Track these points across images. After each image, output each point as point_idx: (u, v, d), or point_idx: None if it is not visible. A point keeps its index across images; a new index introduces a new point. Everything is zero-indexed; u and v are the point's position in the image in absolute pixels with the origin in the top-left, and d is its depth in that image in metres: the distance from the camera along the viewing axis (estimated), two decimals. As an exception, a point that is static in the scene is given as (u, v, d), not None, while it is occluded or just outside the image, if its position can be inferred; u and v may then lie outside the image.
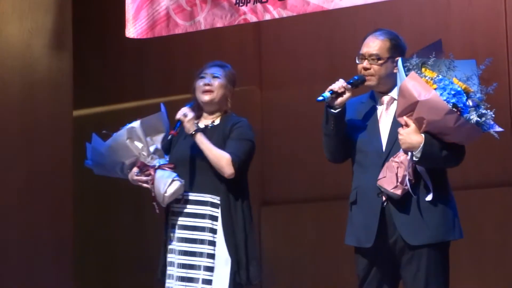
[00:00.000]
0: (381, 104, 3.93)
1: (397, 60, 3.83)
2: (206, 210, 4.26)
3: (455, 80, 3.67)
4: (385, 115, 3.90)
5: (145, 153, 4.34)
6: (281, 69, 6.57)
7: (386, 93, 3.93)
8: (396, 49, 3.93)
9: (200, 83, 4.40)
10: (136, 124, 4.38)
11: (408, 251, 3.78)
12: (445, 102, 3.58)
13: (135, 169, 4.35)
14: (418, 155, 3.67)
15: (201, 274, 4.22)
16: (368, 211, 3.83)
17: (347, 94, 3.86)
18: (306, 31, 6.53)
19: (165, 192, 4.23)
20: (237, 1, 5.32)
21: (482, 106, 3.68)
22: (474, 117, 3.61)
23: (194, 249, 4.25)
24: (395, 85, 3.84)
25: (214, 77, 4.40)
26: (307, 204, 6.27)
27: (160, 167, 4.31)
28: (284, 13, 5.21)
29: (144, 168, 4.33)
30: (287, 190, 6.55)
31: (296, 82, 6.60)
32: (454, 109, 3.58)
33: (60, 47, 6.43)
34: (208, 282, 4.21)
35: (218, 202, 4.26)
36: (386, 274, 3.87)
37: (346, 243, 3.97)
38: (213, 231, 4.25)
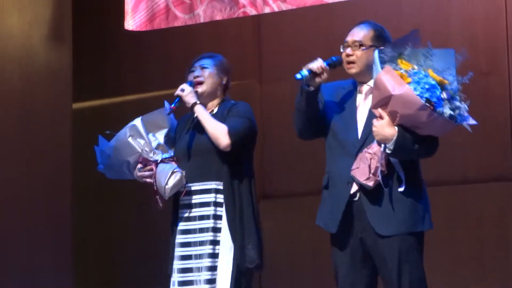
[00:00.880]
0: (360, 93, 3.96)
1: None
2: (211, 197, 4.26)
3: (430, 72, 3.69)
4: (363, 105, 3.93)
5: (147, 149, 4.34)
6: (280, 63, 6.57)
7: (366, 82, 3.95)
8: (380, 39, 3.95)
9: (190, 77, 4.40)
10: (137, 121, 4.38)
11: (379, 240, 3.81)
12: (418, 97, 3.61)
13: (138, 165, 4.36)
14: (391, 148, 3.71)
15: (205, 262, 4.22)
16: (336, 198, 3.89)
17: (325, 75, 3.89)
18: (305, 24, 6.52)
19: (166, 184, 4.23)
20: (237, -6, 5.32)
21: (457, 98, 3.70)
22: (447, 111, 3.64)
23: (200, 238, 4.25)
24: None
25: (203, 68, 4.40)
26: (306, 197, 6.27)
27: (161, 161, 4.31)
28: (284, 6, 5.21)
29: (146, 163, 4.33)
30: (286, 183, 6.55)
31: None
32: (427, 104, 3.61)
33: (59, 39, 6.43)
34: (213, 268, 4.21)
35: (222, 187, 4.26)
36: (363, 265, 3.89)
37: (316, 223, 4.00)
38: (217, 217, 4.25)
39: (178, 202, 4.35)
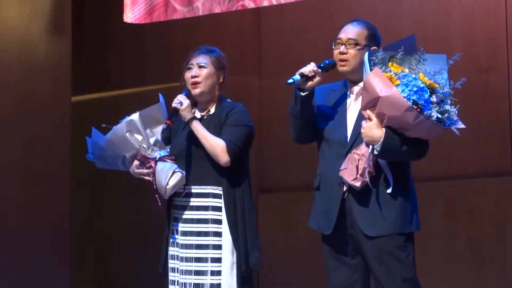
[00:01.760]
0: (351, 94, 3.96)
1: (373, 50, 3.85)
2: (209, 201, 4.24)
3: (421, 75, 3.69)
4: (353, 105, 3.93)
5: (145, 145, 4.32)
6: (280, 57, 6.56)
7: (357, 82, 3.95)
8: (373, 39, 3.95)
9: (187, 75, 4.38)
10: (135, 116, 4.35)
11: (367, 241, 3.81)
12: (405, 99, 3.61)
13: (135, 162, 4.33)
14: (379, 149, 3.71)
15: (209, 266, 4.22)
16: (329, 199, 3.89)
17: (317, 79, 3.89)
18: (305, 18, 6.52)
19: (167, 184, 4.20)
20: (235, -14, 5.31)
21: (448, 101, 3.69)
22: (434, 114, 3.64)
23: (199, 241, 4.23)
24: None
25: (200, 67, 4.36)
26: (305, 192, 6.26)
27: (160, 159, 4.29)
28: (282, 0, 5.20)
29: (144, 161, 4.30)
30: (285, 177, 6.55)
31: (295, 70, 6.55)
32: (414, 106, 3.61)
33: (59, 31, 6.42)
34: (217, 273, 4.21)
35: (221, 192, 4.24)
36: (354, 263, 3.90)
37: (308, 225, 4.02)
38: (218, 221, 4.23)
39: (172, 202, 4.34)
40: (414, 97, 3.61)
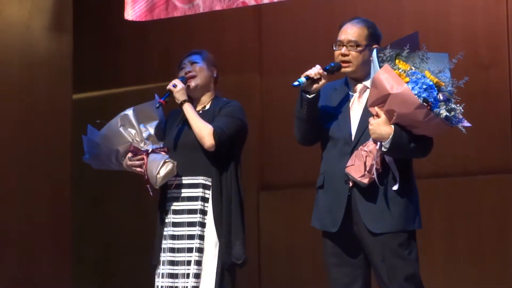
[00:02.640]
0: (354, 92, 3.97)
1: (374, 48, 3.85)
2: (198, 192, 4.29)
3: (427, 73, 3.70)
4: (357, 103, 3.93)
5: (138, 139, 4.36)
6: (281, 55, 6.56)
7: (360, 80, 3.96)
8: (373, 37, 3.96)
9: (181, 73, 4.42)
10: (129, 111, 4.40)
11: (371, 238, 3.81)
12: (415, 96, 3.62)
13: (128, 154, 4.37)
14: (387, 146, 3.71)
15: (193, 256, 4.25)
16: (334, 197, 3.88)
17: (323, 81, 3.89)
18: (306, 16, 6.51)
19: (158, 173, 4.24)
20: (236, -16, 5.30)
21: (453, 100, 3.70)
22: (443, 112, 3.65)
23: (190, 232, 4.27)
24: (369, 73, 3.86)
25: (193, 63, 4.44)
26: (306, 189, 6.26)
27: (153, 151, 4.32)
28: (282, -3, 5.21)
29: (137, 152, 4.34)
30: (286, 174, 6.55)
31: (296, 67, 6.55)
32: (424, 103, 3.62)
33: (60, 29, 6.42)
34: (199, 263, 4.24)
35: (210, 183, 4.29)
36: (356, 260, 3.89)
37: (311, 225, 4.01)
38: (204, 212, 4.28)
39: (166, 194, 4.37)
40: (424, 95, 3.62)
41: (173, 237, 4.30)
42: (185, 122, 4.38)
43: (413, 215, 3.85)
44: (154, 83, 6.70)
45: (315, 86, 3.88)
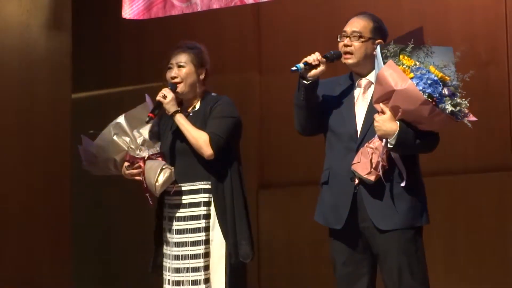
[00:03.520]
0: (359, 87, 3.96)
1: (378, 43, 3.86)
2: (200, 197, 4.26)
3: (432, 68, 3.69)
4: (361, 99, 3.93)
5: (133, 146, 4.33)
6: (280, 53, 6.55)
7: (364, 75, 3.95)
8: (378, 31, 3.96)
9: (168, 75, 4.39)
10: (120, 119, 4.37)
11: (379, 235, 3.82)
12: (420, 92, 3.62)
13: (125, 164, 4.34)
14: (393, 142, 3.72)
15: (202, 262, 4.22)
16: (339, 194, 3.88)
17: (321, 67, 3.89)
18: (305, 15, 6.51)
19: (156, 181, 4.21)
20: (233, -18, 5.30)
21: (458, 94, 3.70)
22: (449, 107, 3.65)
23: (194, 238, 4.24)
24: (373, 68, 3.86)
25: (180, 66, 4.38)
26: (305, 187, 6.26)
27: (149, 157, 4.29)
28: (281, -5, 5.20)
29: (133, 161, 4.31)
30: (285, 173, 6.55)
31: (295, 65, 6.58)
32: (429, 99, 3.61)
33: (58, 27, 6.41)
34: (207, 268, 4.21)
35: (210, 187, 4.26)
36: (362, 257, 3.89)
37: (315, 219, 4.00)
38: (207, 216, 4.25)
39: (164, 201, 4.34)
40: (429, 90, 3.62)
41: (178, 244, 4.27)
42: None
43: (420, 211, 3.86)
44: (153, 83, 6.69)
45: (313, 72, 3.89)
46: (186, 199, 4.28)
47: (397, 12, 6.02)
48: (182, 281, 4.24)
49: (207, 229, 4.24)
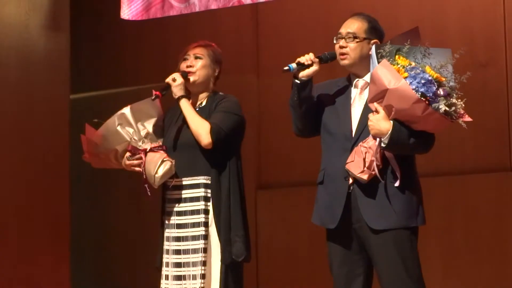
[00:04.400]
0: (356, 87, 3.97)
1: (373, 43, 3.88)
2: (200, 192, 4.27)
3: (428, 68, 3.70)
4: (358, 99, 3.94)
5: (136, 138, 4.34)
6: (278, 54, 6.56)
7: (361, 76, 3.96)
8: (373, 32, 3.97)
9: (183, 65, 4.39)
10: (125, 110, 4.37)
11: (373, 235, 3.82)
12: (413, 91, 3.61)
13: (127, 154, 4.35)
14: (386, 141, 3.72)
15: (200, 257, 4.23)
16: (333, 193, 3.89)
17: (314, 68, 3.91)
18: (303, 16, 6.51)
19: (156, 172, 4.22)
20: (231, -18, 5.31)
21: (454, 95, 3.70)
22: (442, 107, 3.65)
23: (194, 233, 4.25)
24: (370, 69, 3.86)
25: (197, 57, 4.40)
26: (303, 188, 6.27)
27: (151, 149, 4.30)
28: (279, -4, 5.21)
29: (135, 152, 4.32)
30: (283, 174, 6.55)
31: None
32: (422, 98, 3.61)
33: (57, 28, 6.41)
34: (204, 263, 4.22)
35: (210, 182, 4.26)
36: (358, 258, 3.89)
37: (312, 221, 4.01)
38: (206, 212, 4.25)
39: (166, 196, 4.35)
40: (422, 90, 3.62)
41: (178, 239, 4.28)
42: (183, 121, 4.35)
43: (415, 211, 3.86)
44: (151, 83, 6.69)
45: (306, 72, 3.90)
46: (186, 193, 4.29)
47: (394, 15, 6.02)
48: (184, 276, 4.25)
49: (206, 224, 4.24)
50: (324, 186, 3.96)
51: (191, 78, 4.36)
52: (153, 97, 4.34)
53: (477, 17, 5.89)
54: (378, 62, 3.72)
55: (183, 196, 4.29)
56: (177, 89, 4.31)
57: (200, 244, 4.22)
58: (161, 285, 4.32)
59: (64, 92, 6.45)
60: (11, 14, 6.21)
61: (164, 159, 4.24)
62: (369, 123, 3.76)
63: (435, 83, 3.67)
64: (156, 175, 4.22)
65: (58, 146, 6.34)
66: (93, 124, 4.43)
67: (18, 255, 6.08)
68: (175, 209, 4.30)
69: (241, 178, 4.34)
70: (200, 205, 4.25)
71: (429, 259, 5.64)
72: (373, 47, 3.80)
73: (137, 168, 4.32)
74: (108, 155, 4.41)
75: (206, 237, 4.23)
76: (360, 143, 3.81)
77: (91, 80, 7.32)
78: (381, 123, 3.72)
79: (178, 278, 4.26)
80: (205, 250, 4.21)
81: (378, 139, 3.74)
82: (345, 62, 3.95)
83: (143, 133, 4.36)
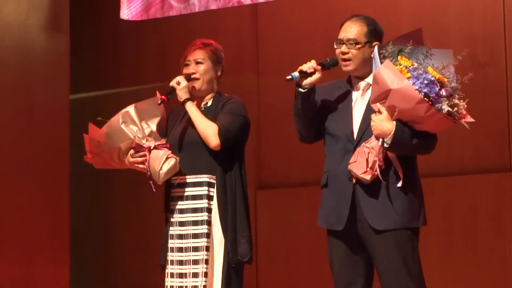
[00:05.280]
0: (357, 89, 3.97)
1: (375, 45, 3.85)
2: (203, 190, 4.27)
3: (430, 69, 3.70)
4: (360, 101, 3.94)
5: (140, 136, 4.34)
6: (278, 54, 6.56)
7: (363, 78, 3.95)
8: (373, 34, 3.95)
9: (185, 71, 4.40)
10: (130, 108, 4.38)
11: (375, 235, 3.82)
12: (416, 91, 3.61)
13: (131, 151, 4.35)
14: (389, 142, 3.71)
15: (202, 255, 4.23)
16: (338, 195, 3.88)
17: (317, 75, 3.90)
18: (303, 16, 6.51)
19: (161, 169, 4.22)
20: (231, -17, 5.31)
21: (456, 96, 3.71)
22: (445, 107, 3.65)
23: (196, 231, 4.25)
24: (372, 70, 3.86)
25: (198, 63, 4.40)
26: (302, 188, 6.28)
27: (155, 147, 4.30)
28: (278, -4, 5.21)
29: (139, 149, 4.32)
30: (283, 174, 6.55)
31: (293, 67, 6.58)
32: (425, 98, 3.61)
33: (57, 28, 6.42)
34: (206, 262, 4.22)
35: (214, 181, 4.27)
36: (359, 258, 3.90)
37: (318, 225, 4.00)
38: (209, 210, 4.25)
39: (170, 194, 4.35)
40: (425, 90, 3.62)
41: (181, 237, 4.28)
42: (187, 121, 4.36)
43: (417, 212, 3.85)
44: (151, 83, 6.70)
45: (309, 80, 3.89)
46: (189, 191, 4.29)
47: (395, 15, 6.02)
48: (185, 274, 4.25)
49: (209, 222, 4.24)
50: (328, 188, 3.95)
51: (196, 86, 4.37)
52: (159, 102, 4.34)
53: (477, 17, 5.89)
54: (381, 63, 3.71)
55: (186, 194, 4.29)
56: (182, 92, 4.31)
57: (202, 242, 4.22)
58: (166, 283, 4.32)
59: (63, 92, 6.45)
60: (11, 14, 6.21)
61: (169, 156, 4.24)
62: (372, 123, 3.75)
63: (438, 84, 3.67)
64: (161, 172, 4.23)
65: (58, 146, 6.34)
66: (96, 123, 4.43)
67: (18, 255, 6.08)
68: (178, 206, 4.31)
69: (244, 180, 4.35)
70: (203, 203, 4.25)
71: (429, 259, 5.63)
72: (375, 48, 3.79)
73: (140, 166, 4.32)
74: (111, 154, 4.41)
75: (208, 235, 4.23)
76: (363, 144, 3.80)
77: (91, 80, 7.32)
78: (384, 123, 3.72)
79: (181, 275, 4.26)
80: (207, 249, 4.22)
81: (381, 140, 3.74)
82: (349, 68, 3.94)
83: (147, 131, 4.36)
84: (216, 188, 4.26)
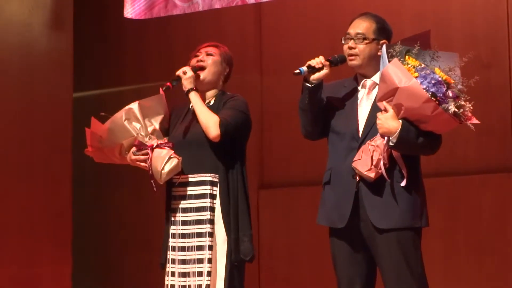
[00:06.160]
0: (363, 88, 3.97)
1: (382, 43, 3.86)
2: (206, 189, 4.26)
3: (437, 70, 3.70)
4: (365, 99, 3.94)
5: (143, 133, 4.33)
6: (281, 54, 6.56)
7: (368, 76, 3.96)
8: (382, 32, 3.96)
9: (194, 61, 4.40)
10: (133, 105, 4.37)
11: (377, 234, 3.82)
12: (424, 90, 3.62)
13: (133, 149, 4.34)
14: (394, 140, 3.71)
15: (205, 254, 4.23)
16: (341, 192, 3.88)
17: (325, 71, 3.90)
18: (306, 16, 6.52)
19: (163, 169, 4.22)
20: (235, -18, 5.31)
21: (462, 98, 3.71)
22: (452, 107, 3.65)
23: (199, 230, 4.25)
24: (378, 69, 3.87)
25: (208, 54, 4.41)
26: (305, 187, 6.28)
27: (158, 146, 4.30)
28: (282, -5, 5.21)
29: (142, 147, 4.31)
30: (285, 173, 6.55)
31: (296, 66, 6.60)
32: (432, 98, 3.62)
33: (60, 26, 6.42)
34: (209, 260, 4.22)
35: (217, 180, 4.27)
36: (362, 257, 3.90)
37: (318, 223, 4.00)
38: (212, 209, 4.25)
39: (171, 192, 4.35)
40: (432, 90, 3.62)
41: (183, 236, 4.28)
42: (190, 119, 4.36)
43: (419, 212, 3.85)
44: (154, 82, 6.70)
45: (316, 75, 3.90)
46: (191, 190, 4.29)
47: (398, 14, 6.02)
48: (188, 273, 4.25)
49: (212, 221, 4.24)
50: (331, 185, 3.95)
51: (201, 75, 4.37)
52: (164, 88, 4.34)
53: (480, 18, 5.89)
54: (389, 62, 3.72)
55: (188, 193, 4.29)
56: (187, 82, 4.31)
57: (205, 241, 4.22)
58: (166, 282, 4.32)
59: (67, 90, 6.46)
60: (14, 13, 6.21)
61: (172, 156, 4.24)
62: (377, 121, 3.75)
63: (445, 85, 3.68)
64: (163, 171, 4.22)
65: (60, 145, 6.35)
66: (99, 118, 4.42)
67: (20, 255, 6.08)
68: (181, 206, 4.30)
69: (246, 179, 4.35)
70: (206, 202, 4.25)
71: (431, 258, 5.63)
72: (384, 47, 3.80)
73: (142, 164, 4.31)
74: (112, 149, 4.40)
75: (211, 234, 4.23)
76: (368, 142, 3.80)
77: (94, 78, 7.32)
78: (389, 122, 3.72)
79: (184, 275, 4.26)
80: (210, 248, 4.22)
81: (386, 138, 3.74)
82: (354, 62, 3.95)
83: (150, 129, 4.35)
84: (219, 187, 4.26)
